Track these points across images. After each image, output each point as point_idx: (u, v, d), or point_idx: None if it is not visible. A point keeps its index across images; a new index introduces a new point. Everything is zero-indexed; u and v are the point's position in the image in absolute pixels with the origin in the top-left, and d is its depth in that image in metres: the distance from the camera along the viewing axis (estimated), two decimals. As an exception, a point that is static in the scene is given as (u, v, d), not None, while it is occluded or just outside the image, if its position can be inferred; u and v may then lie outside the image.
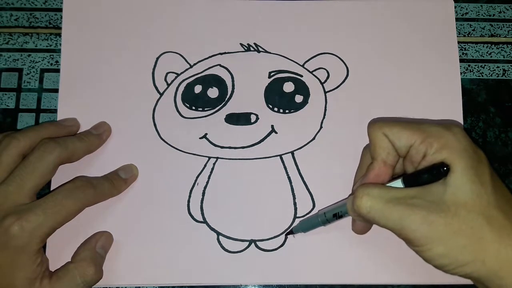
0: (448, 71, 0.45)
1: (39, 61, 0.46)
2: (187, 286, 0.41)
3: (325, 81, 0.45)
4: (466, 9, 0.48)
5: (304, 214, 0.42)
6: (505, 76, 0.46)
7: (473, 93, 0.46)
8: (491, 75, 0.46)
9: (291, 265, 0.41)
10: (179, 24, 0.46)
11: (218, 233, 0.42)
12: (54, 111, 0.44)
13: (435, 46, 0.46)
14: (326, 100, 0.44)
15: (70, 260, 0.38)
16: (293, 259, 0.41)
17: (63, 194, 0.37)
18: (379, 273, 0.41)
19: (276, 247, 0.41)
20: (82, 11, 0.46)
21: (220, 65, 0.45)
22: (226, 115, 0.44)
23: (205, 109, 0.44)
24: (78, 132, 0.43)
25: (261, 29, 0.46)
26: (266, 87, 0.44)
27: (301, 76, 0.45)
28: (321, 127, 0.44)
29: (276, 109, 0.44)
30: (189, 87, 0.44)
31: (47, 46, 0.46)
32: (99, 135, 0.42)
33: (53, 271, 0.38)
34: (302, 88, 0.44)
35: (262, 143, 0.43)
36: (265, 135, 0.43)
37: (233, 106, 0.44)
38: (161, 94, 0.44)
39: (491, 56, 0.47)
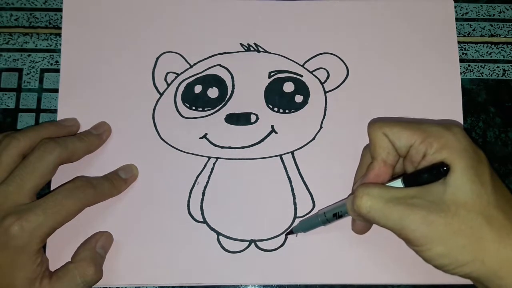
0: (448, 71, 0.45)
1: (39, 61, 0.46)
2: (187, 286, 0.41)
3: (325, 81, 0.45)
4: (466, 9, 0.48)
5: (304, 214, 0.42)
6: (505, 76, 0.46)
7: (473, 93, 0.46)
8: (491, 75, 0.46)
9: (291, 265, 0.41)
10: (179, 24, 0.46)
11: (218, 233, 0.42)
12: (54, 111, 0.44)
13: (435, 46, 0.45)
14: (326, 100, 0.44)
15: (70, 260, 0.38)
16: (293, 259, 0.41)
17: (63, 194, 0.37)
18: (379, 273, 0.41)
19: (276, 247, 0.41)
20: (82, 11, 0.46)
21: (220, 65, 0.45)
22: (226, 115, 0.44)
23: (205, 109, 0.44)
24: (78, 132, 0.43)
25: (261, 29, 0.46)
26: (266, 87, 0.44)
27: (301, 76, 0.45)
28: (321, 127, 0.44)
29: (276, 109, 0.44)
30: (189, 87, 0.44)
31: (47, 46, 0.46)
32: (99, 135, 0.42)
33: (53, 271, 0.38)
34: (302, 88, 0.44)
35: (262, 143, 0.43)
36: (265, 135, 0.43)
37: (233, 106, 0.44)
38: (161, 94, 0.44)
39: (491, 56, 0.47)
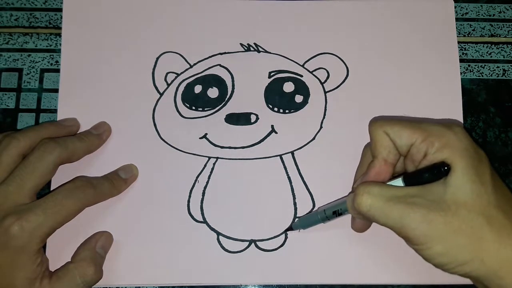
0: (448, 71, 0.45)
1: (39, 61, 0.46)
2: (187, 286, 0.41)
3: (325, 81, 0.45)
4: (466, 9, 0.48)
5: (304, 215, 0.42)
6: (505, 76, 0.46)
7: (473, 93, 0.46)
8: (491, 75, 0.46)
9: (291, 265, 0.41)
10: (179, 24, 0.46)
11: (218, 233, 0.42)
12: (54, 111, 0.44)
13: (435, 46, 0.46)
14: (326, 100, 0.44)
15: (70, 260, 0.38)
16: (293, 259, 0.41)
17: (63, 194, 0.37)
18: (379, 273, 0.41)
19: (276, 247, 0.41)
20: (82, 11, 0.46)
21: (220, 65, 0.45)
22: (226, 115, 0.44)
23: (205, 109, 0.44)
24: (78, 132, 0.43)
25: (261, 29, 0.46)
26: (266, 87, 0.44)
27: (301, 76, 0.45)
28: (321, 127, 0.44)
29: (276, 109, 0.44)
30: (189, 87, 0.44)
31: (47, 46, 0.46)
32: (99, 135, 0.42)
33: (53, 271, 0.38)
34: (302, 88, 0.44)
35: (262, 143, 0.43)
36: (265, 135, 0.43)
37: (233, 106, 0.44)
38: (161, 94, 0.44)
39: (491, 56, 0.47)
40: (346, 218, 0.39)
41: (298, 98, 0.44)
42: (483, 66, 0.47)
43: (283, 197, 0.42)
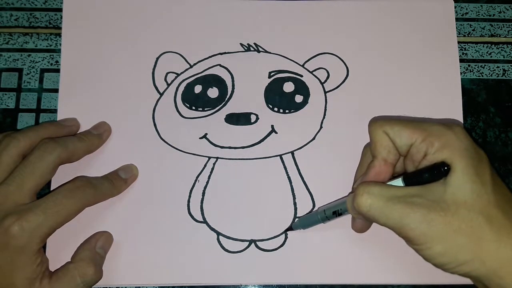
0: (448, 71, 0.45)
1: (39, 61, 0.46)
2: (187, 286, 0.41)
3: (325, 81, 0.45)
4: (466, 9, 0.48)
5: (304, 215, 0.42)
6: (505, 76, 0.46)
7: (473, 93, 0.46)
8: (491, 75, 0.46)
9: (291, 265, 0.41)
10: (179, 24, 0.46)
11: (218, 233, 0.42)
12: (54, 111, 0.44)
13: (435, 46, 0.46)
14: (326, 100, 0.44)
15: (70, 260, 0.38)
16: (293, 259, 0.41)
17: (63, 194, 0.37)
18: (379, 273, 0.41)
19: (276, 247, 0.41)
20: (82, 11, 0.46)
21: (220, 65, 0.45)
22: (226, 115, 0.44)
23: (205, 109, 0.44)
24: (78, 132, 0.43)
25: (261, 29, 0.46)
26: (266, 87, 0.44)
27: (301, 76, 0.45)
28: (321, 127, 0.44)
29: (276, 109, 0.44)
30: (189, 87, 0.44)
31: (47, 46, 0.46)
32: (99, 135, 0.42)
33: (53, 271, 0.38)
34: (302, 88, 0.44)
35: (262, 143, 0.43)
36: (265, 135, 0.43)
37: (233, 106, 0.44)
38: (161, 94, 0.44)
39: (491, 56, 0.47)
40: (346, 218, 0.39)
41: (298, 98, 0.44)
42: (483, 66, 0.47)
43: (283, 197, 0.42)
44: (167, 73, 0.45)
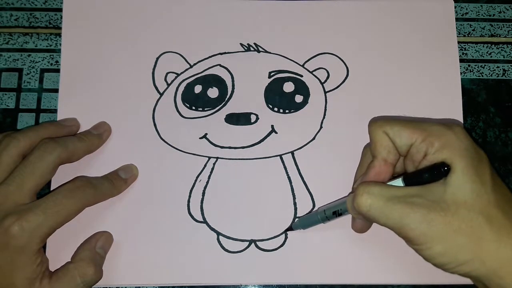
0: (448, 71, 0.45)
1: (39, 61, 0.46)
2: (187, 286, 0.41)
3: (325, 81, 0.45)
4: (466, 9, 0.48)
5: (304, 215, 0.42)
6: (505, 76, 0.46)
7: (473, 93, 0.46)
8: (491, 75, 0.46)
9: (291, 265, 0.41)
10: (179, 24, 0.46)
11: (218, 233, 0.42)
12: (54, 111, 0.44)
13: (435, 46, 0.46)
14: (326, 100, 0.44)
15: (70, 260, 0.38)
16: (293, 259, 0.41)
17: (63, 194, 0.37)
18: (379, 273, 0.41)
19: (276, 247, 0.41)
20: (82, 11, 0.46)
21: (220, 65, 0.45)
22: (226, 115, 0.44)
23: (205, 109, 0.44)
24: (78, 132, 0.43)
25: (261, 29, 0.46)
26: (266, 87, 0.44)
27: (301, 76, 0.45)
28: (321, 127, 0.44)
29: (276, 109, 0.44)
30: (189, 87, 0.44)
31: (47, 46, 0.46)
32: (99, 135, 0.42)
33: (53, 271, 0.38)
34: (302, 88, 0.44)
35: (262, 143, 0.43)
36: (265, 135, 0.43)
37: (233, 106, 0.44)
38: (161, 94, 0.44)
39: (491, 56, 0.47)
40: (346, 218, 0.39)
41: (298, 98, 0.44)
42: (483, 66, 0.47)
43: (283, 197, 0.42)
44: (167, 73, 0.45)
